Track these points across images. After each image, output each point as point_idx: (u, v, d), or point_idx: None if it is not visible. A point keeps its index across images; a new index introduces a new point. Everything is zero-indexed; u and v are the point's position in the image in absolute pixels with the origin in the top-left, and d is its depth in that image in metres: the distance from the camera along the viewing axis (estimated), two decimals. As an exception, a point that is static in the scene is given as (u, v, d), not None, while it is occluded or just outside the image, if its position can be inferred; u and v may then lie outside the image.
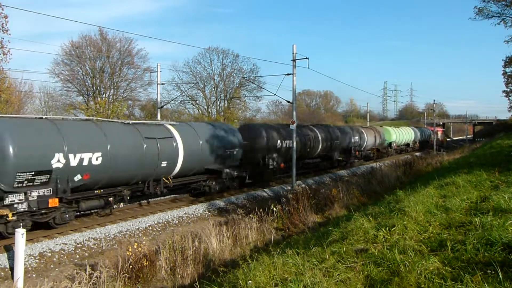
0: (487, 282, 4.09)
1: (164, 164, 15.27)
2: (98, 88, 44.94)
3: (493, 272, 4.27)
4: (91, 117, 16.68)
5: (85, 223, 13.64)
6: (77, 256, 11.18)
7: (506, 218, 6.08)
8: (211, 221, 13.22)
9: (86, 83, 44.88)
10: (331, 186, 18.72)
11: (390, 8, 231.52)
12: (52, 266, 10.47)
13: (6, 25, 22.30)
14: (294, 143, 20.64)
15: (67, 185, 12.08)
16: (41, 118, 12.72)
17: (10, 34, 22.73)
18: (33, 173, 11.21)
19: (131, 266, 9.24)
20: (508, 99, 44.14)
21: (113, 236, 12.70)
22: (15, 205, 11.11)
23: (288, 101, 22.00)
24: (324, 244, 6.21)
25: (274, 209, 13.72)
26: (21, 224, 11.31)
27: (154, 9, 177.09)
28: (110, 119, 17.82)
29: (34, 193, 11.50)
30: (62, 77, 43.87)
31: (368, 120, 61.16)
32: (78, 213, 13.31)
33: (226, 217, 14.85)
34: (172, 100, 43.82)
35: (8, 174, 10.77)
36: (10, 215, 10.91)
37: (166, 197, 18.15)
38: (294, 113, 20.73)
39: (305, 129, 26.29)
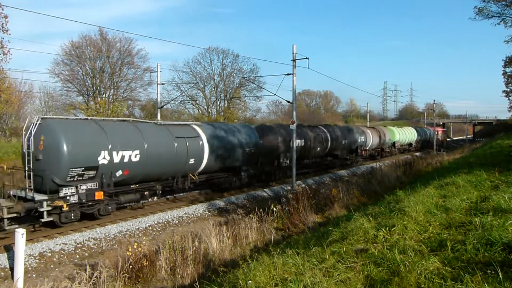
0: (487, 282, 4.08)
1: (191, 161, 16.76)
2: (98, 88, 44.97)
3: (493, 272, 4.27)
4: (128, 118, 18.10)
5: (85, 223, 13.64)
6: (77, 256, 11.18)
7: (506, 218, 6.07)
8: (211, 221, 13.21)
9: (86, 83, 44.93)
10: (331, 186, 18.71)
11: (390, 8, 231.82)
12: (52, 266, 10.47)
13: (6, 25, 22.45)
14: (294, 143, 20.65)
15: (110, 179, 13.53)
16: (86, 119, 14.32)
17: (10, 34, 22.87)
18: (83, 168, 12.66)
19: (131, 266, 9.23)
20: (508, 99, 44.25)
21: (113, 236, 12.70)
22: (68, 197, 12.51)
23: (288, 101, 21.99)
24: (324, 244, 6.21)
25: (274, 209, 13.70)
26: (72, 214, 12.74)
27: (154, 9, 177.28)
28: (144, 120, 19.43)
29: (83, 187, 12.95)
30: (62, 77, 43.97)
31: (368, 120, 61.07)
32: (118, 205, 14.63)
33: (226, 217, 14.85)
34: (172, 100, 43.84)
35: (63, 170, 12.22)
36: (65, 206, 12.27)
37: (190, 192, 19.18)
38: (294, 113, 20.72)
39: (315, 129, 27.76)
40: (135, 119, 17.30)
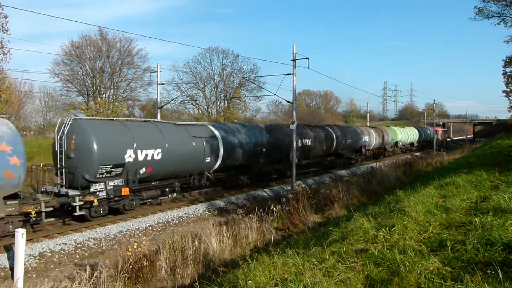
0: (487, 282, 4.08)
1: (208, 159, 17.71)
2: (98, 88, 44.91)
3: (493, 272, 4.26)
4: (149, 119, 18.94)
5: (85, 223, 13.64)
6: (77, 256, 11.18)
7: (506, 218, 6.07)
8: (211, 221, 13.21)
9: (86, 83, 44.86)
10: (331, 186, 18.72)
11: (390, 8, 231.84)
12: (52, 266, 10.47)
13: (6, 25, 22.33)
14: (294, 143, 20.63)
15: (135, 176, 14.50)
16: (112, 119, 15.25)
17: (10, 34, 22.76)
18: (111, 166, 13.59)
19: (131, 266, 9.22)
20: (508, 99, 44.19)
21: (113, 236, 12.70)
22: (97, 193, 13.43)
23: (288, 101, 21.98)
24: (324, 244, 6.21)
25: (274, 209, 13.71)
26: (101, 209, 13.64)
27: (154, 9, 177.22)
28: (163, 120, 20.14)
29: (111, 183, 13.86)
30: (62, 77, 43.86)
31: (368, 120, 61.07)
32: (141, 201, 15.43)
33: (226, 217, 14.85)
34: (172, 100, 43.78)
35: (93, 167, 13.16)
36: (95, 200, 13.15)
37: (205, 189, 19.66)
38: (294, 113, 20.72)
39: (320, 129, 28.35)
40: (156, 120, 18.30)
